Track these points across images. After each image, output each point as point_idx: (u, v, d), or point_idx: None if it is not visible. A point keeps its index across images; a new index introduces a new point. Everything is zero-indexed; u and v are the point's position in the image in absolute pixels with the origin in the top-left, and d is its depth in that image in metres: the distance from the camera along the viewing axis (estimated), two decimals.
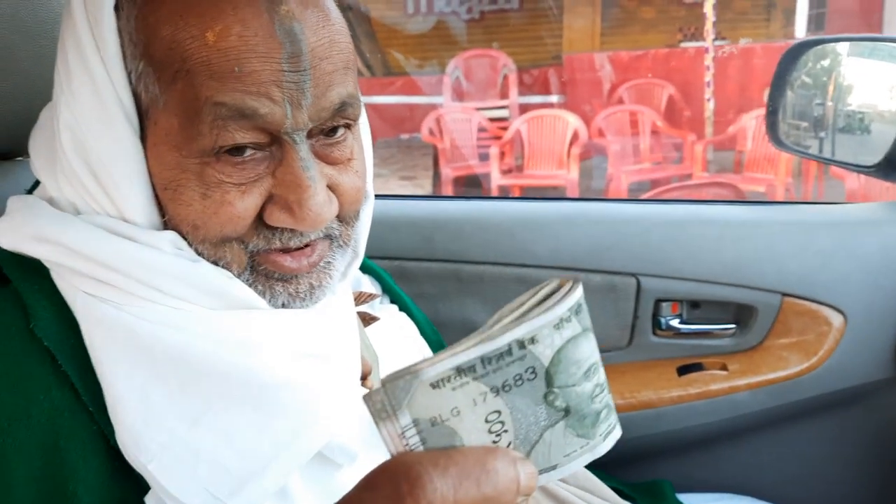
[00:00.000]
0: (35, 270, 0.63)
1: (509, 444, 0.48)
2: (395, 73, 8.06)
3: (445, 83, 7.27)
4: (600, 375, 0.50)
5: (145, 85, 0.60)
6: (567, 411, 0.48)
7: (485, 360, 0.45)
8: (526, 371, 0.46)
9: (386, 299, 0.91)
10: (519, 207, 1.34)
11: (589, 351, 0.48)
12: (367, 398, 0.45)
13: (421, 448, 0.46)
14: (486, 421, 0.47)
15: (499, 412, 0.47)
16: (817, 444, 1.26)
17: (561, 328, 0.46)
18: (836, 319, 1.19)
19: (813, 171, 5.43)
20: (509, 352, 0.45)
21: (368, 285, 0.88)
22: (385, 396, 0.45)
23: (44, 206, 0.64)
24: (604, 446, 0.51)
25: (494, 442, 0.48)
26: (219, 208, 0.60)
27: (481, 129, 6.40)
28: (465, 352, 0.45)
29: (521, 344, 0.45)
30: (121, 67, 0.60)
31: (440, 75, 7.42)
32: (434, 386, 0.45)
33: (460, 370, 0.45)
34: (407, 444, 0.46)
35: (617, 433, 0.52)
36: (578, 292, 0.47)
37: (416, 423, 0.46)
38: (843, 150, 1.36)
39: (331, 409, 0.64)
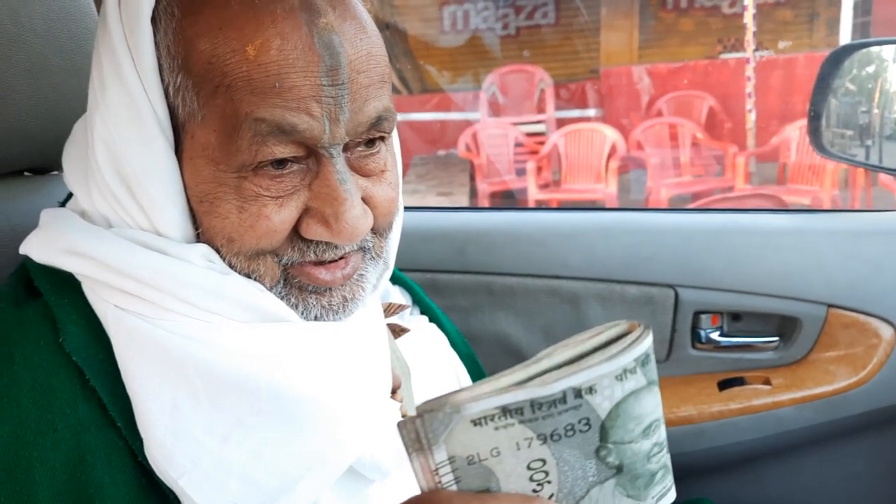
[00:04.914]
0: (66, 284, 0.63)
1: (551, 496, 0.45)
2: (431, 90, 8.10)
3: (482, 99, 7.28)
4: (661, 434, 0.46)
5: (183, 98, 0.59)
6: (619, 469, 0.45)
7: (535, 404, 0.42)
8: (579, 422, 0.43)
9: (416, 311, 0.90)
10: (552, 218, 1.32)
11: (651, 406, 0.45)
12: (401, 426, 0.43)
13: (454, 487, 0.44)
14: (529, 468, 0.44)
15: (543, 461, 0.44)
16: (866, 463, 1.21)
17: (623, 380, 0.43)
18: (886, 331, 1.15)
19: (860, 181, 5.30)
20: (563, 399, 0.42)
21: (398, 296, 0.87)
22: (422, 427, 0.42)
23: (76, 219, 0.65)
24: None
25: (535, 491, 0.45)
26: (255, 221, 0.60)
27: (518, 144, 6.38)
28: (514, 392, 0.42)
29: (578, 393, 0.42)
30: (157, 80, 0.60)
31: (476, 91, 7.43)
32: (475, 423, 0.42)
33: (506, 410, 0.42)
34: (440, 482, 0.44)
35: (671, 496, 0.48)
36: (647, 341, 0.43)
37: (451, 460, 0.43)
38: (892, 159, 1.32)
39: (361, 425, 0.63)
